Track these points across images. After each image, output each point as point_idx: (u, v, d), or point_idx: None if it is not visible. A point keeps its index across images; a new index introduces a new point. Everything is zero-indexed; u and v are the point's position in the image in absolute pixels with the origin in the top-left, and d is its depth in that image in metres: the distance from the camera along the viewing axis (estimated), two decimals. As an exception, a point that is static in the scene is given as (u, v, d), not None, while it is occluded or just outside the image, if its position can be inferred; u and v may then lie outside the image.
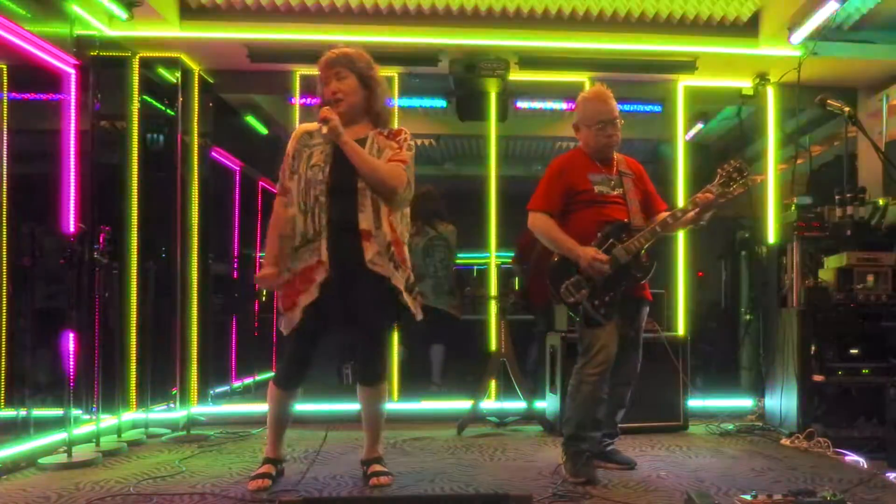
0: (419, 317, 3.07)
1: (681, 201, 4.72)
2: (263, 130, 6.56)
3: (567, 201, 3.30)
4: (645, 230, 3.20)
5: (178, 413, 4.56)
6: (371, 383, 3.09)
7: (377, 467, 3.13)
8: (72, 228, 4.02)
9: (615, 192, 3.31)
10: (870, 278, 4.07)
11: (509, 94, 5.19)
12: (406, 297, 2.99)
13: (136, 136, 4.68)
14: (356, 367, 3.12)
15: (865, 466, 3.42)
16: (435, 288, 5.31)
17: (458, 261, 5.69)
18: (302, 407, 4.73)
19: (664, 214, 3.31)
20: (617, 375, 3.32)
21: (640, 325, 3.41)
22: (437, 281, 5.38)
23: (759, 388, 4.87)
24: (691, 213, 3.23)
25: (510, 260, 5.62)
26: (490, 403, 4.71)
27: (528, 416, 4.51)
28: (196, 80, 4.91)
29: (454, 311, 5.48)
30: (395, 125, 5.04)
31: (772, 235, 4.91)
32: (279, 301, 3.02)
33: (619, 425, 3.46)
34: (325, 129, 2.88)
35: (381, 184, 2.95)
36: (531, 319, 5.33)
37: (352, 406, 4.60)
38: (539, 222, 3.29)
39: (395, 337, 4.97)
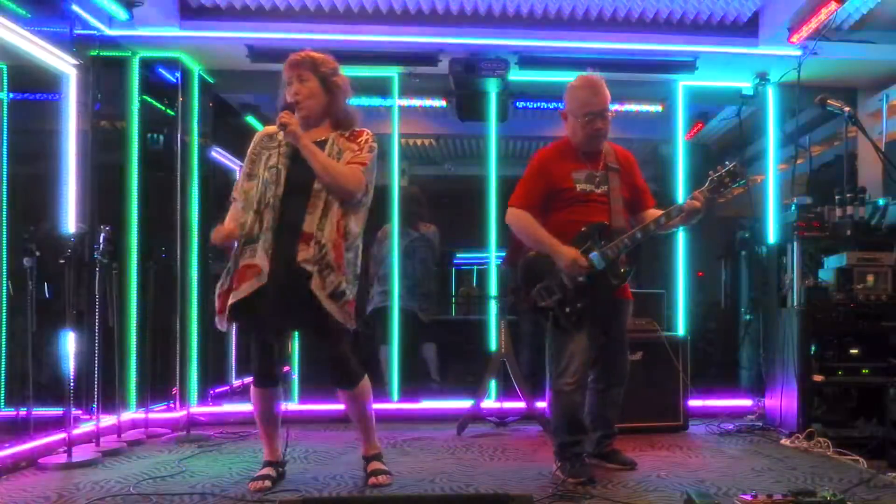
0: (349, 325, 2.96)
1: (680, 201, 4.70)
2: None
3: (548, 198, 3.20)
4: (624, 236, 3.09)
5: (178, 413, 4.55)
6: (345, 386, 3.06)
7: (377, 465, 3.14)
8: (72, 228, 4.02)
9: (599, 190, 3.19)
10: (870, 278, 4.07)
11: (509, 94, 5.18)
12: (327, 303, 2.87)
13: (136, 136, 4.67)
14: (329, 372, 3.07)
15: (865, 466, 3.42)
16: (410, 289, 5.30)
17: (459, 261, 5.69)
18: (302, 407, 4.76)
19: (648, 219, 3.20)
20: (607, 378, 3.30)
21: (622, 325, 3.31)
22: (413, 282, 5.37)
23: (759, 388, 4.87)
24: (676, 220, 3.12)
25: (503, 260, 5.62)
26: (490, 403, 4.71)
27: (528, 416, 4.51)
28: (196, 80, 4.91)
29: (421, 315, 5.45)
30: (395, 125, 5.09)
31: (772, 235, 4.91)
32: (217, 298, 2.98)
33: (620, 425, 3.45)
34: (280, 135, 2.90)
35: (337, 186, 2.92)
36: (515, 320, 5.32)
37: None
38: (518, 218, 3.20)
39: (395, 338, 4.99)
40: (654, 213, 3.27)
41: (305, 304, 2.87)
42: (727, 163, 3.11)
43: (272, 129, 3.08)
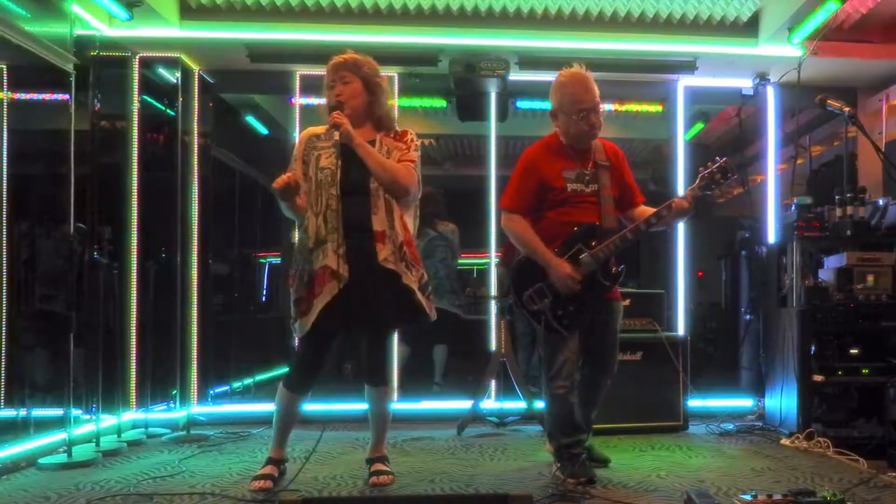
0: (433, 316, 3.06)
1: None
2: (263, 130, 6.56)
3: (539, 198, 3.17)
4: (615, 237, 3.07)
5: (178, 413, 4.55)
6: (378, 384, 3.11)
7: (380, 466, 3.14)
8: (72, 228, 4.02)
9: (589, 190, 3.16)
10: (870, 278, 4.07)
11: (509, 94, 5.18)
12: (420, 297, 2.99)
13: (136, 136, 4.67)
14: (359, 367, 3.10)
15: (865, 466, 3.42)
16: (437, 288, 5.32)
17: (457, 262, 5.70)
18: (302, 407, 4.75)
19: (638, 217, 3.19)
20: (594, 377, 3.28)
21: (613, 326, 3.28)
22: (438, 281, 5.39)
23: (759, 388, 4.87)
24: (665, 219, 3.11)
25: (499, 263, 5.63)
26: (490, 403, 4.71)
27: (528, 416, 4.51)
28: (196, 80, 4.91)
29: (458, 311, 5.50)
30: (396, 125, 5.08)
31: (772, 235, 4.91)
32: (295, 305, 3.00)
33: (620, 425, 3.45)
34: (337, 135, 2.92)
35: (394, 183, 2.98)
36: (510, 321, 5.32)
37: (352, 406, 4.63)
38: (512, 224, 3.19)
39: (396, 337, 4.99)
40: (645, 210, 3.25)
41: (397, 301, 2.95)
42: (717, 159, 3.10)
43: (319, 129, 3.11)
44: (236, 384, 5.87)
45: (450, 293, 5.52)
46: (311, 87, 4.84)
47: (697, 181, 3.10)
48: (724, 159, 3.09)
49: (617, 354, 3.35)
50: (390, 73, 4.92)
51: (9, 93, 4.48)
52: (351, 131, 2.92)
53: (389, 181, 2.97)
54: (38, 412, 3.87)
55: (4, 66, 4.49)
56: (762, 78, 5.08)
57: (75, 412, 3.67)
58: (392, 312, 3.00)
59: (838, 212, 4.25)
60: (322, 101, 3.17)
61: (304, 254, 2.99)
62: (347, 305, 2.90)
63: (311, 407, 4.66)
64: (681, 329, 4.90)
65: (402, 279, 2.96)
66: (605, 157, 3.24)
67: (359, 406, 4.29)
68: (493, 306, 4.81)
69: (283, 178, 2.89)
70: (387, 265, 2.93)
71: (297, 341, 3.12)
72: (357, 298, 2.91)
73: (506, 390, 4.65)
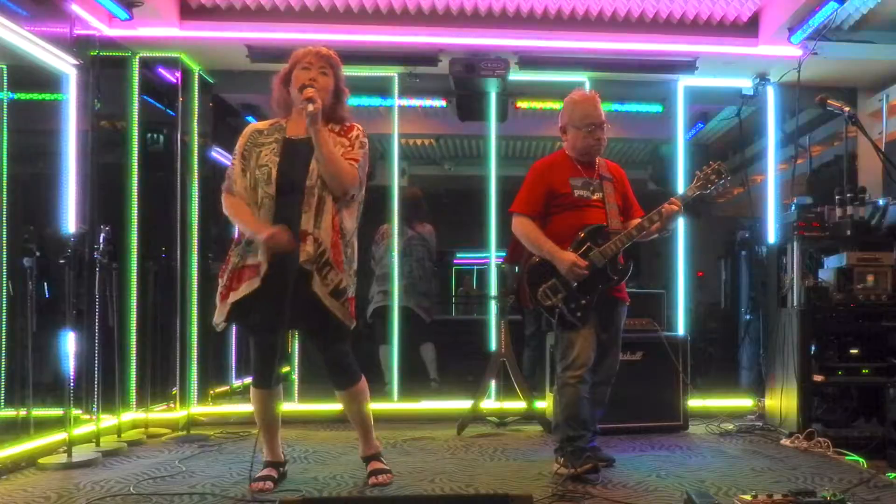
0: (349, 324, 2.96)
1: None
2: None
3: (548, 204, 3.34)
4: (621, 234, 3.25)
5: (178, 413, 4.56)
6: (343, 386, 3.06)
7: (377, 465, 3.14)
8: (72, 228, 4.02)
9: (595, 196, 3.34)
10: (870, 278, 4.07)
11: (509, 94, 5.18)
12: (328, 302, 2.87)
13: (136, 136, 4.67)
14: (327, 372, 3.07)
15: (865, 466, 3.42)
16: (407, 288, 5.33)
17: (455, 260, 5.70)
18: (302, 407, 4.76)
19: (640, 219, 3.33)
20: (596, 375, 3.35)
21: (618, 325, 3.43)
22: (411, 281, 5.39)
23: (759, 388, 4.87)
24: (659, 223, 3.24)
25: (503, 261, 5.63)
26: (490, 403, 4.71)
27: (528, 416, 4.51)
28: (196, 80, 4.91)
29: (422, 313, 5.47)
30: (395, 125, 5.09)
31: (772, 235, 4.91)
32: (218, 296, 2.96)
33: (620, 425, 3.47)
34: (310, 107, 2.81)
35: (336, 179, 2.90)
36: (520, 321, 5.32)
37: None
38: (521, 226, 3.35)
39: (396, 338, 4.99)
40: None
41: (307, 304, 2.86)
42: (711, 162, 3.34)
43: (261, 125, 3.08)
44: (236, 384, 5.87)
45: (419, 294, 5.50)
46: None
47: (694, 181, 3.33)
48: (718, 162, 3.34)
49: (619, 353, 3.47)
50: (390, 73, 4.94)
51: (9, 93, 4.49)
52: (319, 112, 2.84)
53: (332, 175, 2.88)
54: (38, 412, 3.86)
55: (4, 66, 4.50)
56: (762, 78, 5.09)
57: (75, 412, 3.67)
58: (301, 313, 2.90)
59: (838, 212, 4.25)
60: None
61: (238, 248, 2.95)
62: (262, 306, 2.87)
63: (312, 407, 4.71)
64: (681, 329, 4.91)
65: (311, 283, 2.85)
66: (608, 171, 3.46)
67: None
68: (492, 306, 4.81)
69: (274, 233, 2.84)
70: (305, 265, 2.85)
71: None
72: (272, 297, 2.86)
73: (506, 390, 4.65)
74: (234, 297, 2.89)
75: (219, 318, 2.96)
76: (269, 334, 2.98)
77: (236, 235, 3.06)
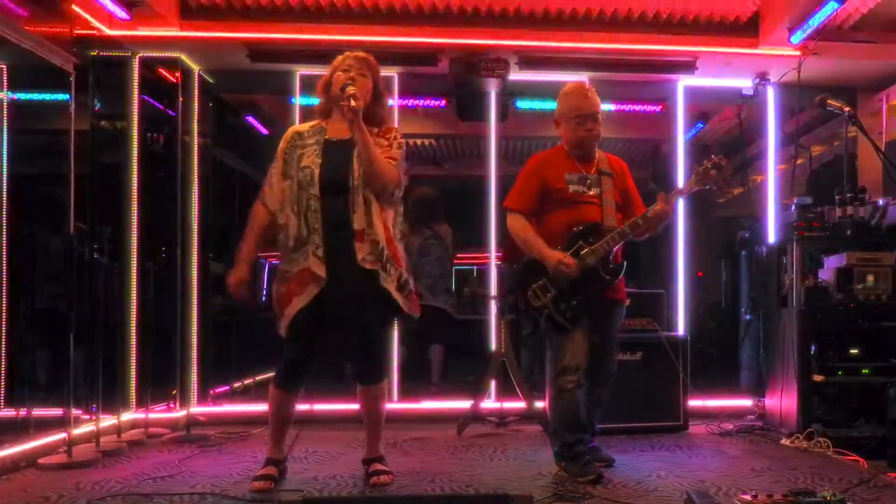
0: (416, 314, 3.06)
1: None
2: (264, 130, 6.56)
3: (542, 200, 3.28)
4: (614, 232, 3.17)
5: (178, 413, 4.55)
6: (370, 383, 3.11)
7: (378, 466, 3.14)
8: (72, 228, 4.02)
9: (591, 192, 3.27)
10: (870, 278, 4.07)
11: (509, 94, 5.18)
12: (397, 296, 2.98)
13: (136, 136, 4.67)
14: (354, 368, 3.12)
15: (865, 466, 3.42)
16: (431, 287, 5.36)
17: (455, 260, 5.72)
18: (302, 407, 4.75)
19: (635, 217, 3.26)
20: (594, 376, 3.31)
21: (614, 326, 3.37)
22: (433, 280, 5.42)
23: (759, 388, 4.87)
24: (649, 221, 3.18)
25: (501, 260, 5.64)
26: (490, 403, 4.71)
27: (528, 416, 4.51)
28: (196, 80, 4.91)
29: (451, 309, 5.52)
30: (395, 125, 5.07)
31: (772, 235, 4.91)
32: (275, 304, 3.01)
33: (620, 425, 3.46)
34: (353, 103, 2.87)
35: (378, 177, 2.96)
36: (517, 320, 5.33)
37: (351, 406, 4.61)
38: (514, 223, 3.30)
39: (396, 337, 4.98)
40: None
41: (375, 301, 2.94)
42: (713, 156, 3.22)
43: (303, 126, 3.13)
44: (236, 384, 5.87)
45: (444, 292, 5.55)
46: (311, 87, 4.79)
47: (692, 176, 3.24)
48: (718, 157, 3.21)
49: (616, 353, 3.44)
50: (390, 73, 4.93)
51: (9, 93, 4.49)
52: (360, 109, 2.90)
53: (375, 174, 2.94)
54: (38, 412, 3.86)
55: (4, 66, 4.50)
56: (762, 78, 5.08)
57: (75, 412, 3.67)
58: (369, 312, 2.99)
59: (838, 212, 4.25)
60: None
61: (285, 254, 2.99)
62: (326, 305, 2.91)
63: (311, 407, 4.71)
64: (681, 329, 4.90)
65: (378, 279, 2.95)
66: (608, 166, 3.38)
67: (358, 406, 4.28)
68: (492, 306, 4.81)
69: (240, 283, 2.98)
70: (364, 265, 2.92)
71: (284, 340, 3.11)
72: (335, 298, 2.91)
73: (506, 390, 4.65)
74: (299, 302, 2.92)
75: (284, 325, 2.98)
76: (317, 340, 3.03)
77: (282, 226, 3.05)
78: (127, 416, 4.31)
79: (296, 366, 3.06)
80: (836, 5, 4.19)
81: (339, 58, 3.11)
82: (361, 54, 3.11)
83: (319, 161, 2.97)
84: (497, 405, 4.69)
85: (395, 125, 3.21)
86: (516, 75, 4.91)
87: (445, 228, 5.67)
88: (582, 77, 4.94)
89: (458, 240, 5.79)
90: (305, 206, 2.94)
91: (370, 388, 3.11)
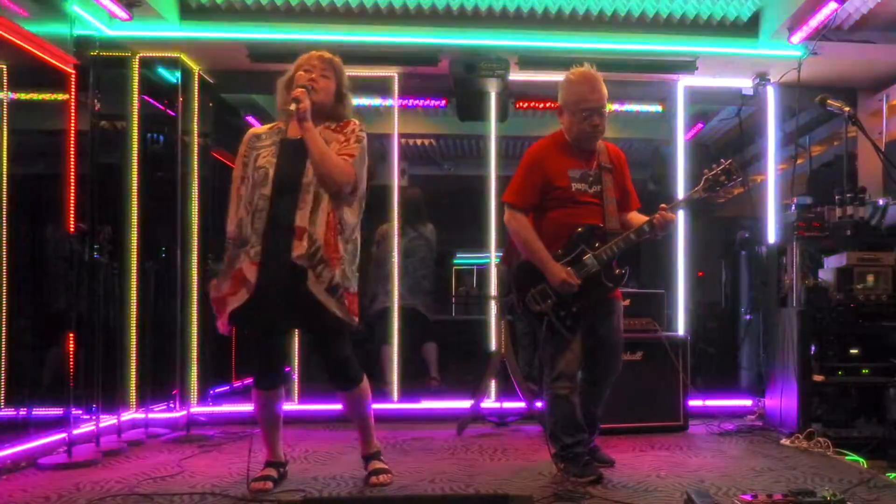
0: (350, 321, 2.93)
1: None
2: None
3: (542, 196, 3.17)
4: (618, 238, 3.09)
5: (178, 413, 4.55)
6: (345, 387, 3.05)
7: (377, 464, 3.14)
8: (72, 228, 4.02)
9: (592, 191, 3.17)
10: (870, 278, 4.07)
11: (509, 94, 5.18)
12: (326, 300, 2.86)
13: (136, 136, 4.67)
14: (327, 373, 3.07)
15: (865, 466, 3.42)
16: (412, 287, 5.35)
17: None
18: (302, 407, 4.76)
19: (632, 221, 3.20)
20: (597, 375, 3.27)
21: (615, 324, 3.27)
22: (415, 280, 5.41)
23: (759, 388, 4.87)
24: (652, 230, 3.11)
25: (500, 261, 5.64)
26: (490, 403, 4.70)
27: (528, 416, 4.51)
28: (196, 80, 4.91)
29: (426, 312, 5.50)
30: (395, 125, 5.09)
31: (772, 235, 4.91)
32: (212, 302, 2.96)
33: (620, 425, 3.44)
34: (292, 106, 2.85)
35: (328, 176, 2.89)
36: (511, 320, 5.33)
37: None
38: (514, 221, 3.19)
39: (396, 338, 4.98)
40: (635, 217, 3.27)
41: (304, 302, 2.86)
42: (722, 161, 3.14)
43: (260, 129, 3.11)
44: (236, 384, 5.87)
45: (423, 293, 5.54)
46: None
47: (702, 183, 3.13)
48: (728, 161, 3.12)
49: (621, 352, 3.33)
50: (390, 73, 4.94)
51: (9, 93, 4.49)
52: (308, 111, 2.86)
53: (325, 173, 2.88)
54: (38, 412, 3.86)
55: (4, 66, 4.50)
56: (762, 78, 5.08)
57: (75, 412, 3.67)
58: (297, 314, 2.92)
59: (838, 212, 4.25)
60: None
61: (229, 251, 2.95)
62: (264, 304, 2.86)
63: (312, 407, 4.71)
64: (681, 329, 4.91)
65: (307, 280, 2.85)
66: (608, 159, 3.26)
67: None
68: (492, 306, 4.81)
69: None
70: (298, 262, 2.84)
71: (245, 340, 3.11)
72: (267, 297, 2.85)
73: (506, 390, 4.65)
74: (233, 302, 2.88)
75: (222, 327, 2.96)
76: (269, 336, 2.98)
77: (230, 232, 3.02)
78: (127, 416, 4.31)
79: (266, 362, 3.01)
80: (836, 5, 4.18)
81: (304, 56, 3.07)
82: (326, 54, 3.06)
83: (274, 161, 2.94)
84: (497, 405, 4.69)
85: (356, 120, 3.10)
86: (516, 75, 4.91)
87: (430, 229, 5.69)
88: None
89: (450, 239, 5.80)
90: (254, 206, 2.90)
91: (346, 393, 3.06)
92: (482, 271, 5.69)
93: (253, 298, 2.85)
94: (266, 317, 2.89)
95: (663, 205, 3.15)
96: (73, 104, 4.15)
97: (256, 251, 2.86)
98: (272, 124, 3.12)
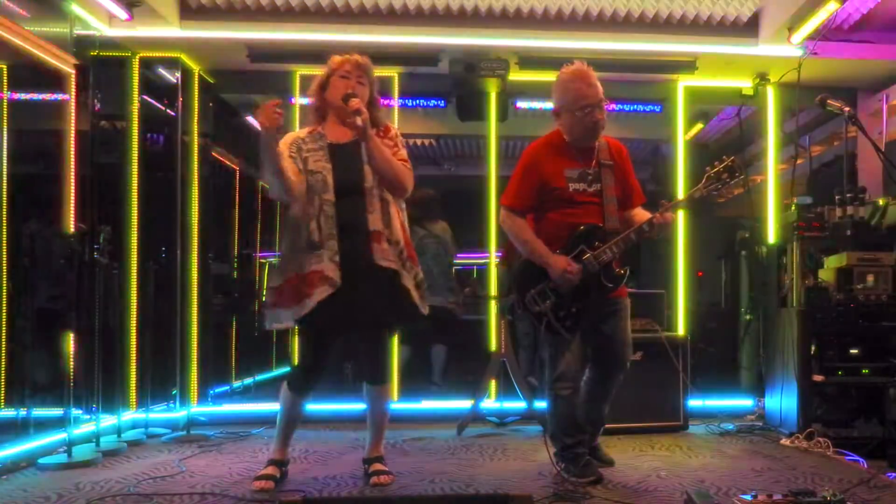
0: (426, 312, 3.07)
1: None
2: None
3: (540, 197, 3.15)
4: (618, 238, 3.05)
5: (178, 413, 4.55)
6: (378, 382, 3.11)
7: (378, 466, 3.14)
8: (72, 228, 4.02)
9: (591, 190, 3.12)
10: (870, 278, 4.07)
11: (509, 94, 5.18)
12: (415, 295, 3.00)
13: (136, 136, 4.67)
14: (359, 366, 3.12)
15: (865, 466, 3.42)
16: (431, 286, 5.34)
17: (453, 259, 5.72)
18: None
19: (635, 218, 3.15)
20: (605, 371, 3.24)
21: (620, 324, 3.19)
22: (431, 279, 5.40)
23: (759, 388, 4.87)
24: (650, 234, 3.07)
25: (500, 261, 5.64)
26: (490, 403, 4.70)
27: (528, 416, 4.51)
28: (196, 80, 4.91)
29: (453, 307, 5.51)
30: (395, 125, 5.07)
31: (772, 235, 4.91)
32: (273, 297, 2.96)
33: (620, 425, 3.43)
34: (358, 120, 2.85)
35: (396, 180, 2.98)
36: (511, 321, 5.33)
37: (351, 406, 4.62)
38: (510, 222, 3.16)
39: (397, 337, 4.98)
40: (639, 213, 3.22)
41: (395, 300, 2.95)
42: (724, 158, 3.11)
43: (301, 133, 3.10)
44: (236, 384, 5.87)
45: (445, 290, 5.54)
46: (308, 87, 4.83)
47: (703, 181, 3.10)
48: (731, 158, 3.10)
49: (629, 350, 3.26)
50: (390, 73, 4.94)
51: (9, 93, 4.49)
52: (367, 124, 2.88)
53: (393, 178, 2.97)
54: (38, 412, 3.86)
55: (4, 66, 4.50)
56: (762, 78, 5.09)
57: (75, 412, 3.67)
58: (390, 311, 3.00)
59: (838, 212, 4.25)
60: None
61: (293, 255, 2.94)
62: (340, 308, 2.88)
63: (312, 407, 4.70)
64: (681, 329, 4.91)
65: (400, 278, 2.96)
66: (608, 156, 3.20)
67: (358, 406, 4.29)
68: (492, 306, 4.81)
69: (269, 109, 2.74)
70: (384, 264, 2.92)
71: (297, 342, 3.11)
72: (350, 301, 2.89)
73: (506, 390, 4.65)
74: (311, 300, 2.86)
75: (277, 319, 2.94)
76: (333, 341, 3.03)
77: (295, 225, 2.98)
78: (127, 416, 4.31)
79: (309, 370, 3.06)
80: (836, 5, 4.18)
81: (337, 60, 3.06)
82: (360, 59, 3.07)
83: (329, 166, 2.96)
84: (497, 405, 4.69)
85: (391, 123, 3.16)
86: (516, 75, 4.91)
87: (442, 226, 5.66)
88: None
89: (456, 237, 5.78)
90: (318, 211, 2.92)
91: (376, 388, 3.12)
92: (482, 271, 5.67)
93: (337, 296, 2.86)
94: (348, 317, 2.91)
95: (665, 201, 3.11)
96: (73, 104, 4.15)
97: (335, 252, 2.88)
98: (309, 128, 3.10)
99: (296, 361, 3.11)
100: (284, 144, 3.02)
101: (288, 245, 3.01)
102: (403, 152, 3.08)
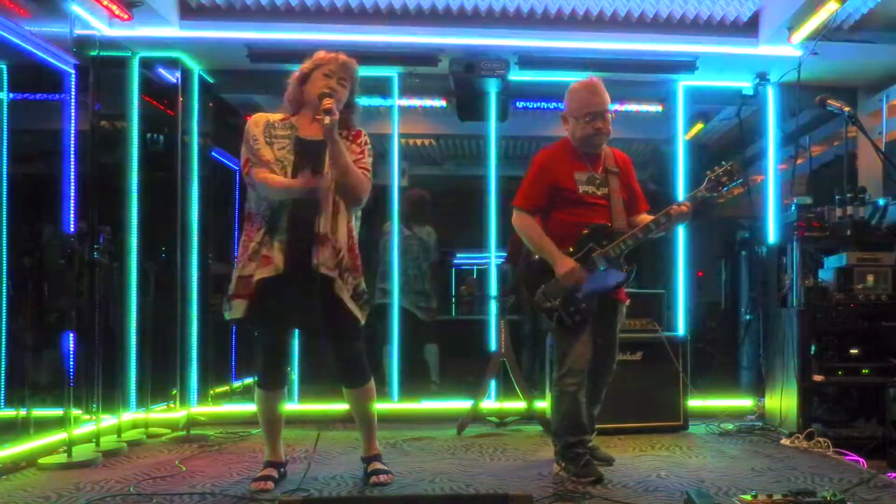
0: (363, 320, 3.01)
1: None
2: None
3: (551, 199, 3.25)
4: (626, 235, 3.14)
5: (178, 413, 4.55)
6: (357, 385, 3.09)
7: (377, 465, 3.14)
8: (72, 228, 4.02)
9: (600, 192, 3.25)
10: (870, 278, 4.07)
11: (509, 94, 5.18)
12: (351, 305, 2.94)
13: (136, 136, 4.67)
14: (335, 371, 3.09)
15: (865, 466, 3.42)
16: (404, 287, 5.35)
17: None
18: (301, 407, 4.75)
19: (647, 219, 3.22)
20: (597, 376, 3.32)
21: (616, 327, 3.38)
22: (405, 280, 5.41)
23: (759, 388, 4.87)
24: (667, 223, 3.14)
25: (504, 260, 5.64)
26: (490, 403, 4.70)
27: (528, 416, 4.51)
28: (196, 80, 4.91)
29: (419, 313, 5.51)
30: (395, 125, 5.09)
31: (772, 235, 4.91)
32: (233, 289, 2.93)
33: (620, 425, 3.44)
34: (327, 119, 2.83)
35: (350, 188, 2.94)
36: (518, 321, 5.33)
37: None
38: (522, 222, 3.26)
39: (396, 338, 4.98)
40: (646, 218, 3.29)
41: (327, 306, 2.90)
42: (724, 163, 3.18)
43: (272, 116, 3.07)
44: (236, 384, 5.87)
45: (415, 293, 5.55)
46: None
47: (704, 183, 3.17)
48: (731, 163, 3.17)
49: (616, 354, 3.43)
50: (390, 73, 4.94)
51: (9, 93, 4.49)
52: (335, 125, 2.86)
53: (348, 185, 2.93)
54: (38, 412, 3.86)
55: (4, 66, 4.50)
56: (762, 78, 5.09)
57: (75, 412, 3.67)
58: (320, 316, 2.94)
59: (838, 212, 4.25)
60: None
61: (247, 246, 2.93)
62: (277, 302, 2.88)
63: (312, 407, 4.71)
64: (681, 329, 4.90)
65: (334, 287, 2.91)
66: (614, 163, 3.35)
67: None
68: (492, 306, 4.81)
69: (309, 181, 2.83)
70: (322, 270, 2.88)
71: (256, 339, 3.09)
72: (287, 298, 2.88)
73: (506, 390, 4.65)
74: (261, 273, 2.85)
75: (237, 307, 2.91)
76: (279, 334, 3.01)
77: (255, 214, 2.98)
78: (127, 416, 4.31)
79: (273, 362, 3.03)
80: (836, 5, 4.18)
81: (323, 55, 3.05)
82: (345, 59, 3.06)
83: (292, 158, 2.94)
84: (497, 405, 4.69)
85: (363, 130, 3.15)
86: (516, 75, 4.92)
87: (427, 230, 5.70)
88: (581, 77, 4.94)
89: (438, 243, 5.80)
90: (279, 203, 2.91)
91: (354, 391, 3.10)
92: (482, 271, 5.68)
93: (278, 286, 2.85)
94: (283, 314, 2.92)
95: (682, 201, 3.19)
96: (73, 104, 4.15)
97: (283, 243, 2.88)
98: (282, 116, 3.08)
99: (257, 360, 3.09)
100: (256, 126, 3.00)
101: (244, 238, 2.99)
102: (368, 160, 3.04)
